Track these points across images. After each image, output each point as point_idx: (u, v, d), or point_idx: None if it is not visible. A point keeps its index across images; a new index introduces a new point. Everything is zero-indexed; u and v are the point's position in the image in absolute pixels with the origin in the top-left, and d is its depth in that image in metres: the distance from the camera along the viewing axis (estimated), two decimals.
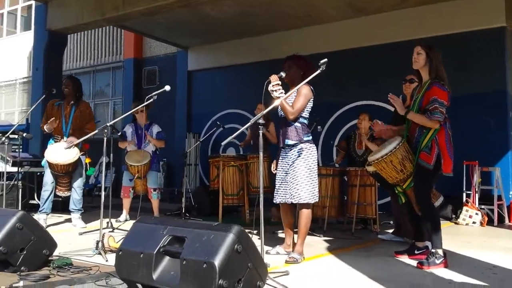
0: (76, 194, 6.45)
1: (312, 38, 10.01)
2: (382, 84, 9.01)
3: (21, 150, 7.24)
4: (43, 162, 6.46)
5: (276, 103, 4.10)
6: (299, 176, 4.28)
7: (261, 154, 3.71)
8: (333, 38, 9.80)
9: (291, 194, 4.32)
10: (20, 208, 6.39)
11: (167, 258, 2.83)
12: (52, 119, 6.22)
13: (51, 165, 6.13)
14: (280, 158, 4.51)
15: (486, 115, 8.23)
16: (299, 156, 4.31)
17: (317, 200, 4.43)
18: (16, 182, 6.76)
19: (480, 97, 8.28)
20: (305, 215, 4.33)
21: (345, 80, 9.69)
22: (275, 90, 4.22)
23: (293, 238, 4.59)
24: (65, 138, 6.31)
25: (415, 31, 8.68)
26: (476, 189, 7.59)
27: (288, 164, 4.39)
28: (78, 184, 6.46)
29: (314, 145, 4.43)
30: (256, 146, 3.78)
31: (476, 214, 7.24)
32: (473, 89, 8.27)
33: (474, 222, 7.20)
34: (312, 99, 4.42)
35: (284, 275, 3.66)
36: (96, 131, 5.09)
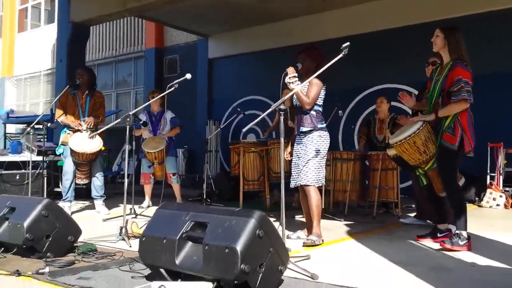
0: (98, 180, 6.57)
1: (333, 22, 9.90)
2: (404, 66, 8.91)
3: (45, 140, 7.34)
4: (59, 151, 6.58)
5: (293, 91, 4.23)
6: (310, 160, 4.37)
7: (282, 139, 3.72)
8: (354, 21, 9.66)
9: (301, 177, 4.41)
10: (45, 196, 6.52)
11: (189, 243, 2.86)
12: (77, 122, 6.38)
13: (75, 154, 6.24)
14: (295, 144, 4.60)
15: None
16: (313, 141, 4.40)
17: (322, 183, 4.54)
18: (41, 171, 6.89)
19: (507, 77, 8.11)
20: (313, 197, 4.37)
21: (366, 63, 9.58)
22: (292, 82, 4.30)
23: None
24: (83, 126, 6.39)
25: (437, 12, 8.48)
26: (501, 171, 7.48)
27: (302, 150, 4.48)
28: (99, 170, 6.59)
29: (327, 132, 4.51)
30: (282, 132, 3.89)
31: (500, 196, 7.14)
32: (500, 68, 8.09)
33: (498, 205, 7.11)
34: (324, 88, 4.49)
35: (306, 259, 3.67)
36: (119, 120, 5.16)
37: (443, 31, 4.21)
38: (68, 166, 6.42)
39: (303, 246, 4.20)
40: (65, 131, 6.55)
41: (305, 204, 4.61)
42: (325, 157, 4.50)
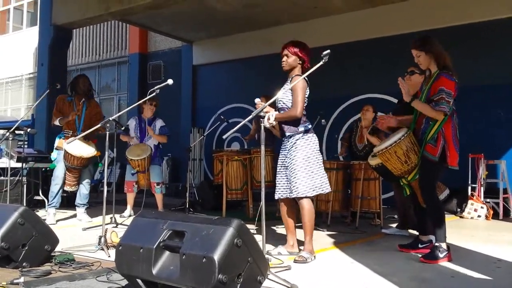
0: (84, 189, 6.55)
1: (317, 31, 9.94)
2: (389, 77, 8.87)
3: (26, 146, 7.22)
4: (53, 156, 6.50)
5: (277, 95, 4.06)
6: (297, 169, 4.12)
7: (262, 147, 3.65)
8: (339, 30, 9.73)
9: (291, 189, 4.18)
10: (24, 204, 6.41)
11: (167, 252, 2.81)
12: (74, 112, 6.37)
13: (70, 158, 6.20)
14: (280, 151, 4.37)
15: (493, 107, 8.16)
16: (296, 147, 4.17)
17: (323, 192, 4.24)
18: (20, 178, 6.77)
19: (488, 89, 8.20)
20: (306, 210, 4.12)
21: (351, 73, 9.64)
22: (266, 112, 3.95)
23: (296, 236, 4.43)
24: (77, 133, 6.32)
25: (423, 23, 8.56)
26: (482, 182, 7.53)
27: (285, 156, 4.26)
28: (87, 179, 6.56)
29: (313, 134, 4.25)
30: (260, 139, 3.72)
31: (481, 207, 7.19)
32: (481, 80, 8.17)
33: (479, 216, 7.15)
34: (308, 88, 4.24)
35: (286, 269, 3.63)
36: (99, 125, 5.09)
37: (420, 49, 4.14)
38: (59, 171, 6.38)
39: (294, 262, 3.92)
40: (61, 136, 6.51)
41: (284, 218, 4.37)
42: (316, 161, 4.18)
